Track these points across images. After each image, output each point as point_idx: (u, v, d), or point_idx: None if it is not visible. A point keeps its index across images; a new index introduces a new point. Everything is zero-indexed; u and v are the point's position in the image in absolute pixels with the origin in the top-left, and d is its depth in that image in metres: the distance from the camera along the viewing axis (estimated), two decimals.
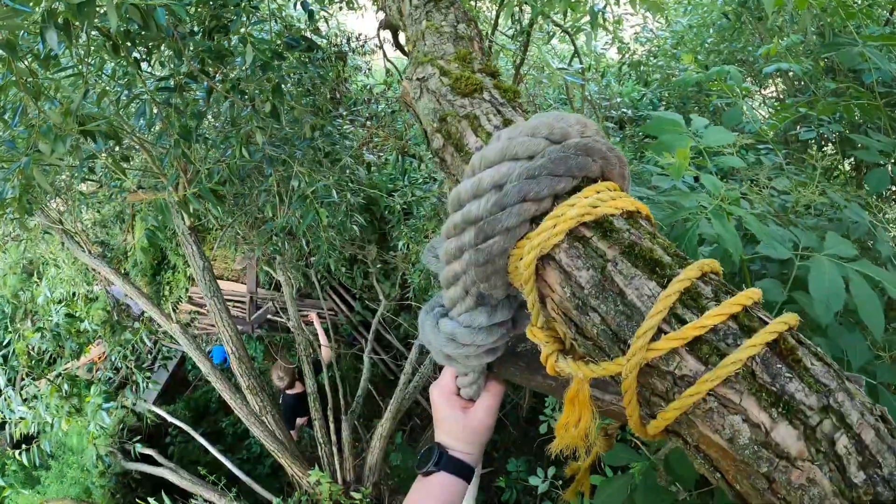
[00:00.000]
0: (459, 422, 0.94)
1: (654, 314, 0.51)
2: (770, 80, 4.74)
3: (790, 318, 0.53)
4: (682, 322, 0.51)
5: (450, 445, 0.94)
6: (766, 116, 4.08)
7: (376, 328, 5.52)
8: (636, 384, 0.54)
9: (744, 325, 0.51)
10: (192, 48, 2.01)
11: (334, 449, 4.39)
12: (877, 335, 0.95)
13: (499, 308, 0.72)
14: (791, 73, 3.36)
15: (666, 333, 0.51)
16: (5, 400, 4.75)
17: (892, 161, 1.97)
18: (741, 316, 0.52)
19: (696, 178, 1.81)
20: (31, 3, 1.39)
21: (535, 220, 0.62)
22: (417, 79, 0.98)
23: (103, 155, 2.18)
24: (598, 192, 0.60)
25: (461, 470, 0.92)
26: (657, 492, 1.54)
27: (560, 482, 3.38)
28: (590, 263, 0.57)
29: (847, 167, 3.33)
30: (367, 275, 5.91)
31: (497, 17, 4.08)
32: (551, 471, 3.39)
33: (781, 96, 4.42)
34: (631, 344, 0.52)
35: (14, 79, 1.58)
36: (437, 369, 4.99)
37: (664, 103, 5.38)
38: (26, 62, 1.65)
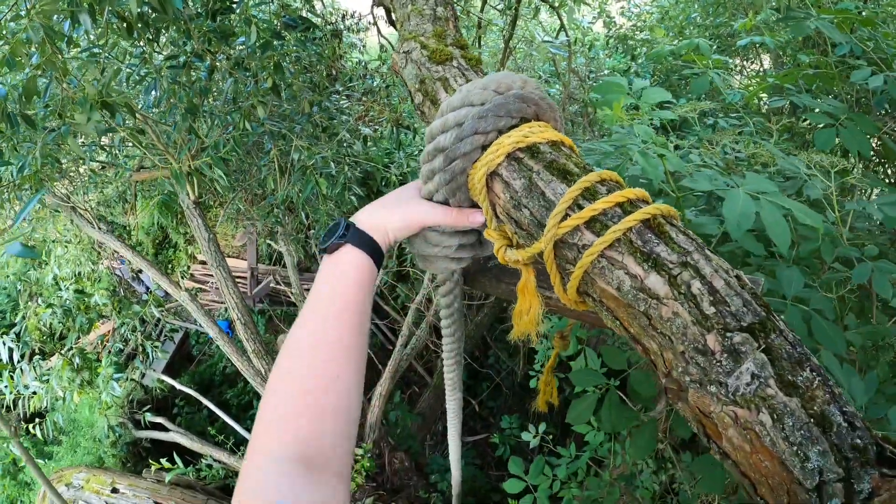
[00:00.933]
0: (406, 200, 0.92)
1: (562, 203, 0.73)
2: (757, 54, 4.90)
3: (664, 207, 0.75)
4: (582, 208, 0.73)
5: (361, 219, 0.89)
6: (745, 87, 4.26)
7: (373, 298, 5.72)
8: (553, 255, 0.76)
9: (627, 210, 0.73)
10: (198, 29, 2.18)
11: None
12: (783, 249, 1.17)
13: None
14: (775, 47, 3.54)
15: (570, 216, 0.73)
16: (19, 374, 4.91)
17: (839, 122, 2.19)
18: (626, 205, 0.74)
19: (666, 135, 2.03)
20: None
21: (485, 148, 0.84)
22: (404, 52, 1.21)
23: (122, 129, 2.37)
24: (531, 128, 0.82)
25: (372, 247, 0.85)
26: (619, 408, 1.78)
27: (550, 437, 3.60)
28: (522, 175, 0.80)
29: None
30: None
31: None
32: (542, 427, 3.62)
33: (776, 69, 4.57)
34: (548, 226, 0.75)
35: (49, 59, 1.76)
36: (435, 333, 5.19)
37: (655, 75, 5.56)
38: (52, 44, 1.83)
